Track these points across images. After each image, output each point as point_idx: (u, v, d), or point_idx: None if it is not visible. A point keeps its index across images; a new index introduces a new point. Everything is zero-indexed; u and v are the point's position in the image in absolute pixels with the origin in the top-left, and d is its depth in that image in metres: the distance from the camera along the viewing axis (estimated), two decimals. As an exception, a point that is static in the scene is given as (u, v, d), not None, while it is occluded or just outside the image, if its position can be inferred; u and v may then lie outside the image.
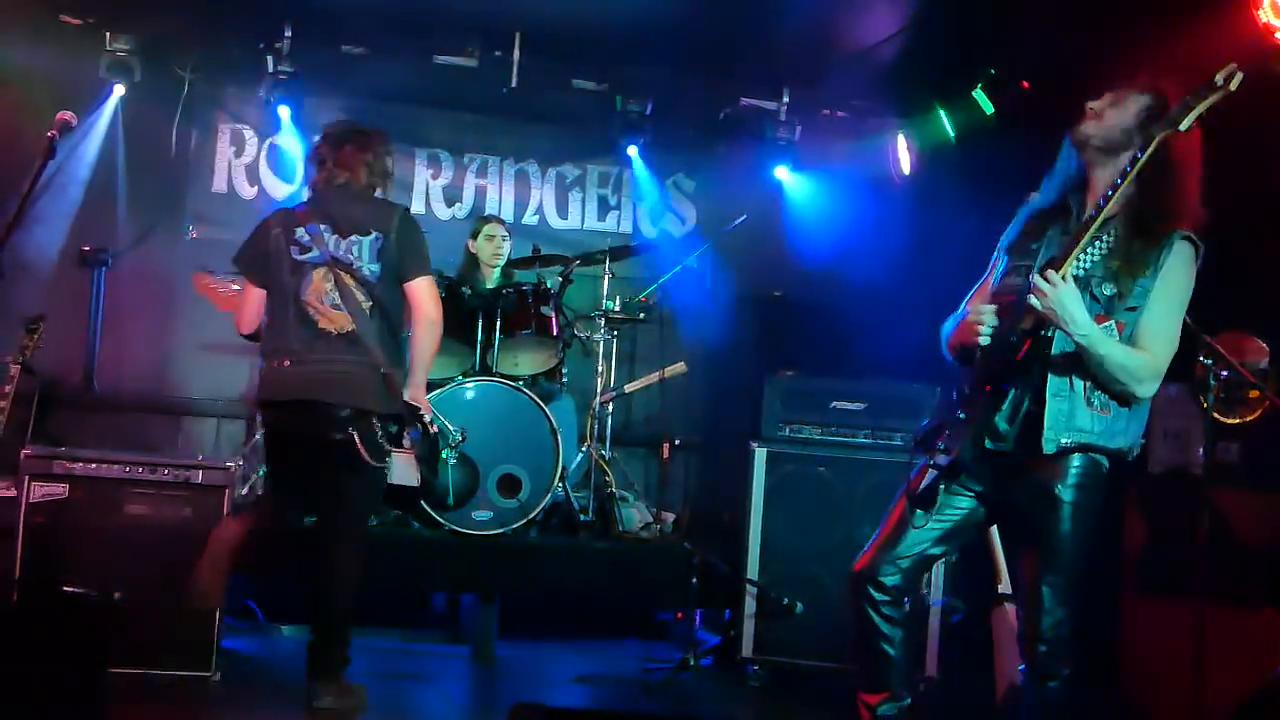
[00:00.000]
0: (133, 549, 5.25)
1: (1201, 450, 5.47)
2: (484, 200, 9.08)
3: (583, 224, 9.29)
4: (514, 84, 8.31)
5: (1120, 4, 6.31)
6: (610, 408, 7.67)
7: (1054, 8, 6.64)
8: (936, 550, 4.01)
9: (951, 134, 8.22)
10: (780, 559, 6.17)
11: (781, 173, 9.21)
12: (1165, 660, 5.50)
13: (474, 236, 7.84)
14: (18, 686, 3.74)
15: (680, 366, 7.63)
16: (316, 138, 5.43)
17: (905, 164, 8.72)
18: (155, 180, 8.46)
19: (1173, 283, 3.78)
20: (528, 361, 7.27)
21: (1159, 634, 5.68)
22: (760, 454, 6.27)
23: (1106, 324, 3.76)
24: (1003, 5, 6.90)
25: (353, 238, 5.08)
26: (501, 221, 7.95)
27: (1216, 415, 5.36)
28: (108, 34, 7.99)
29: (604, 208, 9.34)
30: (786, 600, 6.04)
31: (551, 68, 8.55)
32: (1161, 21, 5.99)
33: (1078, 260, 3.74)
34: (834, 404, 6.36)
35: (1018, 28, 6.93)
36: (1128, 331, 3.77)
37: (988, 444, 3.87)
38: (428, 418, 5.19)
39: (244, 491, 6.90)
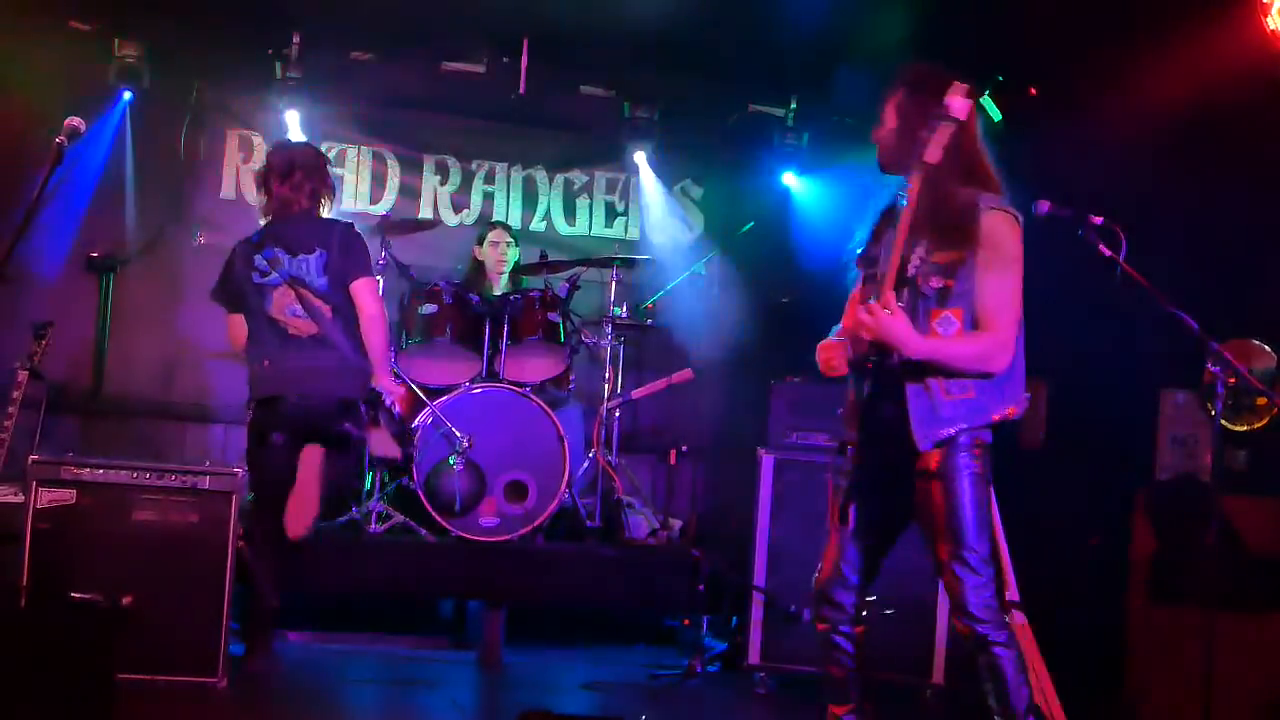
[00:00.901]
0: (140, 555, 5.25)
1: (1209, 457, 5.47)
2: (491, 207, 9.08)
3: (590, 230, 9.28)
4: (522, 90, 8.33)
5: (1129, 11, 6.31)
6: (617, 414, 7.67)
7: (1062, 15, 6.64)
8: (879, 549, 4.15)
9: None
10: (787, 566, 6.15)
11: (789, 179, 9.21)
12: (1174, 667, 5.49)
13: (479, 243, 7.92)
14: (25, 692, 3.74)
15: (687, 373, 7.62)
16: (262, 165, 6.13)
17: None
18: (163, 186, 8.46)
19: (992, 255, 3.84)
20: (535, 368, 7.27)
21: (1167, 641, 5.67)
22: (767, 461, 6.26)
23: (943, 316, 3.88)
24: (1011, 12, 6.90)
25: (301, 256, 5.75)
26: (507, 228, 7.99)
27: (1224, 422, 5.35)
28: (116, 40, 7.99)
29: (611, 214, 9.34)
30: (794, 607, 6.03)
31: (559, 74, 8.56)
32: (1170, 28, 5.99)
33: (908, 264, 3.89)
34: (841, 411, 6.34)
35: (1026, 34, 6.92)
36: (967, 315, 3.86)
37: (870, 450, 3.98)
38: (388, 400, 5.83)
39: (251, 497, 6.90)
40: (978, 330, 3.85)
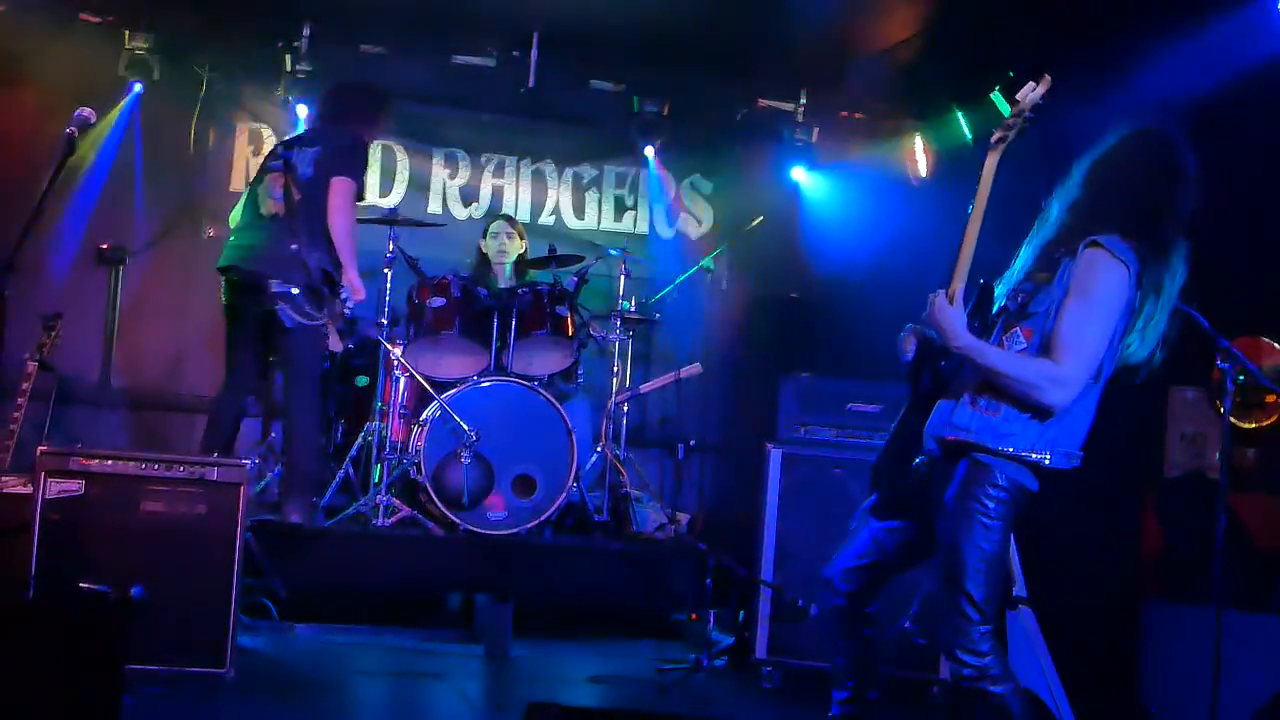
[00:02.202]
0: (148, 546, 5.25)
1: (1218, 454, 5.46)
2: (501, 200, 9.09)
3: (599, 224, 9.29)
4: (531, 84, 8.32)
5: (1140, 8, 6.29)
6: (625, 408, 7.67)
7: (1072, 10, 6.62)
8: (889, 560, 4.10)
9: (969, 136, 8.20)
10: (795, 561, 6.15)
11: (798, 174, 9.20)
12: (1183, 665, 5.48)
13: (484, 236, 7.92)
14: (33, 683, 3.75)
15: (696, 367, 7.63)
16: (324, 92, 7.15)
17: (923, 166, 8.71)
18: (173, 179, 8.48)
19: (1079, 291, 3.73)
20: (543, 361, 7.26)
21: (1176, 638, 5.66)
22: (775, 455, 6.25)
23: (1013, 331, 3.83)
24: (1020, 8, 6.88)
25: (305, 149, 6.47)
26: (509, 220, 7.97)
27: (1234, 419, 5.33)
28: (127, 32, 8.02)
29: (620, 208, 9.34)
30: (801, 602, 6.03)
31: (569, 68, 8.56)
32: (1179, 24, 5.98)
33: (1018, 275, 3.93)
34: (850, 406, 6.35)
35: (1035, 30, 6.91)
36: (1035, 338, 3.78)
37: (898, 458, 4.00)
38: (344, 295, 6.36)
39: (259, 489, 6.92)
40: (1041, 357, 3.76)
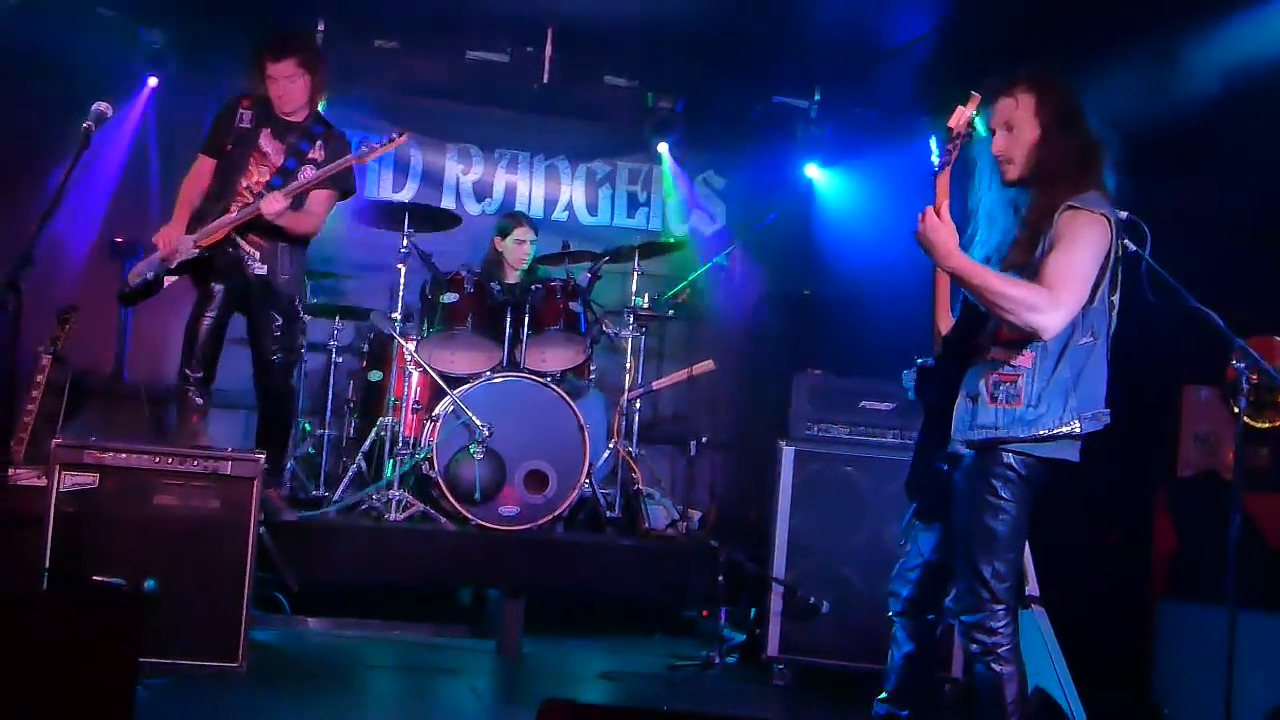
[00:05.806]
0: (161, 539, 5.26)
1: (1232, 454, 5.44)
2: (514, 196, 9.09)
3: (612, 220, 9.28)
4: (545, 80, 8.33)
5: (1152, 6, 6.28)
6: (638, 404, 7.67)
7: (1086, 8, 6.61)
8: (933, 561, 4.14)
9: (984, 133, 8.15)
10: (807, 558, 6.15)
11: (812, 171, 9.20)
12: (1195, 665, 5.47)
13: (501, 235, 7.80)
14: (46, 675, 3.76)
15: (708, 364, 7.62)
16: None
17: (937, 163, 8.67)
18: (188, 172, 8.47)
19: (1066, 240, 3.79)
20: (556, 357, 7.27)
21: (1189, 638, 5.65)
22: (788, 453, 6.25)
23: None
24: (1035, 5, 6.87)
25: None
26: (531, 225, 7.89)
27: (1247, 419, 5.31)
28: (143, 26, 8.03)
29: (633, 204, 9.34)
30: (813, 600, 6.03)
31: (583, 64, 8.56)
32: (1188, 21, 5.97)
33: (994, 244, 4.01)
34: (862, 404, 6.33)
35: (1051, 27, 6.89)
36: None
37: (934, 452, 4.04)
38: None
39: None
40: None
